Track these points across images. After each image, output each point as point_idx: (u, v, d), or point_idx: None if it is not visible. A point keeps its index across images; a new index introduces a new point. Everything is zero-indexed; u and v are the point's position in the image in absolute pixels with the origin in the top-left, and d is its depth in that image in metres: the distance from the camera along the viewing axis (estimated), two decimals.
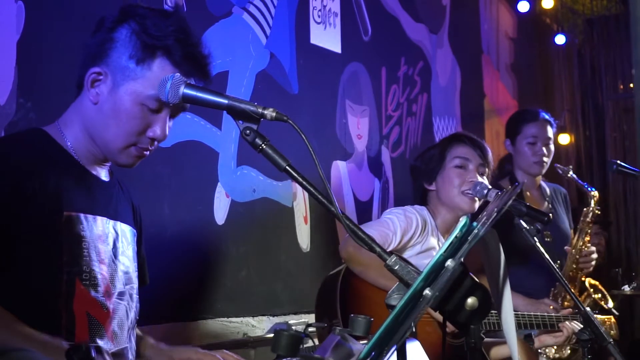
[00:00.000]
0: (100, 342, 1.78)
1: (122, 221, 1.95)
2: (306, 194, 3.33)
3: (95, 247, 1.82)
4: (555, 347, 3.39)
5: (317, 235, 3.44)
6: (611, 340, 2.36)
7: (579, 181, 4.10)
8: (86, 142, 1.87)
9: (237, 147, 3.02)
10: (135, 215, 2.08)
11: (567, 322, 2.96)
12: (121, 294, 1.88)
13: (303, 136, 1.49)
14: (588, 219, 4.03)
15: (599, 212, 4.11)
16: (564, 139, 6.20)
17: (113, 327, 1.83)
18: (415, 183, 3.18)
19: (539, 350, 3.27)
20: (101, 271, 1.81)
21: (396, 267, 1.42)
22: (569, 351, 3.51)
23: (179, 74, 1.66)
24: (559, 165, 4.05)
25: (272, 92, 3.24)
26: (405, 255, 2.90)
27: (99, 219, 1.85)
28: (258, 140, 1.55)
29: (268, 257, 3.18)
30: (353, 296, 2.72)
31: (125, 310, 1.89)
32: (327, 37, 3.64)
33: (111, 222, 1.89)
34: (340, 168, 3.66)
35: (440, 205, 3.05)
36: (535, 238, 2.57)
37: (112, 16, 1.85)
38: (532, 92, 6.22)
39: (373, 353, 1.09)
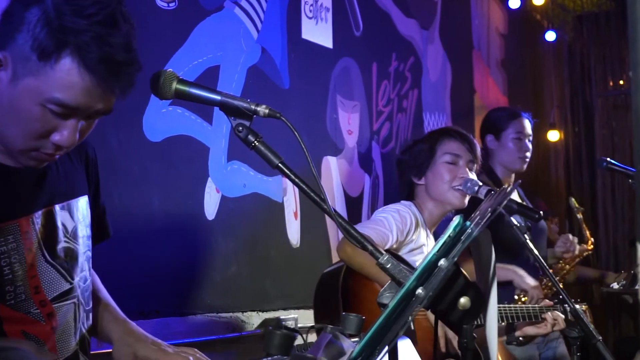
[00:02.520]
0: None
1: (63, 201, 1.72)
2: (296, 190, 3.32)
3: (20, 256, 1.61)
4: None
5: (307, 231, 3.43)
6: (600, 337, 2.37)
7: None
8: None
9: (227, 142, 3.01)
10: (87, 169, 1.83)
11: (549, 313, 2.96)
12: (65, 294, 1.70)
13: (296, 134, 1.48)
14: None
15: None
16: (553, 135, 6.21)
17: (56, 336, 1.68)
18: (402, 177, 3.15)
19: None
20: (30, 282, 1.62)
21: (388, 266, 1.41)
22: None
23: (170, 69, 1.52)
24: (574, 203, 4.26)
25: (263, 87, 3.23)
26: (399, 253, 2.89)
27: (23, 220, 1.63)
28: (251, 137, 1.53)
29: (258, 253, 3.17)
30: (356, 299, 2.68)
31: (73, 310, 1.72)
32: (318, 32, 3.63)
33: (39, 213, 1.66)
34: (330, 164, 3.65)
35: (429, 199, 3.04)
36: (525, 235, 2.59)
37: None
38: (522, 88, 6.22)
39: (364, 353, 1.08)
